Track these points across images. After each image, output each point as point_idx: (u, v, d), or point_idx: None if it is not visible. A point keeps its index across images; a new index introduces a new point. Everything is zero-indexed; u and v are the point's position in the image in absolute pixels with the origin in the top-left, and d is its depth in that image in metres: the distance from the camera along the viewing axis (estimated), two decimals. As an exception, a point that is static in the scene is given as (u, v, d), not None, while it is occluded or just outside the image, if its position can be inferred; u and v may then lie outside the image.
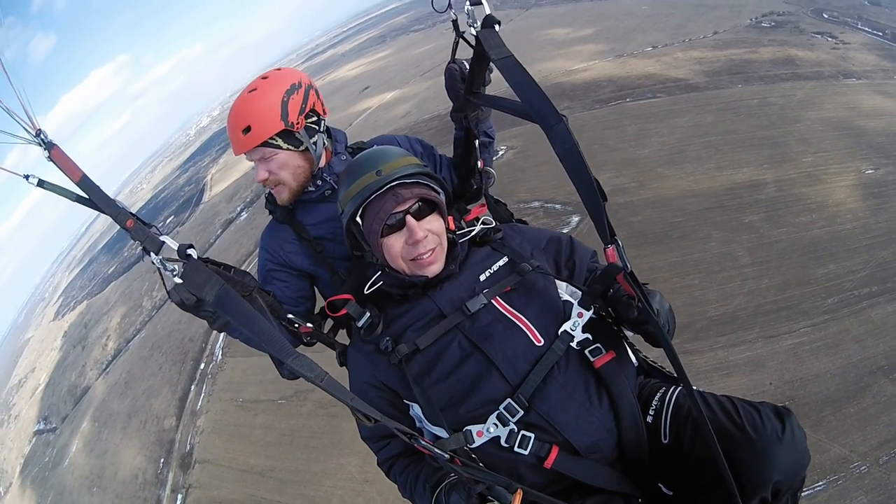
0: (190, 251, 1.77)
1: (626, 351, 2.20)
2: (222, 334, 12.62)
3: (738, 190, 10.64)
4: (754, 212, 9.97)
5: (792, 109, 13.55)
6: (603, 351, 2.06)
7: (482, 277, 2.26)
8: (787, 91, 14.62)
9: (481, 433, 1.98)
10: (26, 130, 1.57)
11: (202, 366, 15.50)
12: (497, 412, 1.98)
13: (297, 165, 2.60)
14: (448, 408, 2.06)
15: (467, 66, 2.42)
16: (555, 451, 1.93)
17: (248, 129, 2.43)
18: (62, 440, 18.99)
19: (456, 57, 2.57)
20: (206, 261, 1.92)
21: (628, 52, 21.08)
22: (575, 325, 2.09)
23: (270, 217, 2.87)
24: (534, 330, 2.10)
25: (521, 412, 1.96)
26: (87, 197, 1.69)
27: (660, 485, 2.05)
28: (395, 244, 2.16)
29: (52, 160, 1.64)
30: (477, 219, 2.56)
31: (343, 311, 2.31)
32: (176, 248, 1.74)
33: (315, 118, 2.62)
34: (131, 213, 1.74)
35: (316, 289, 2.88)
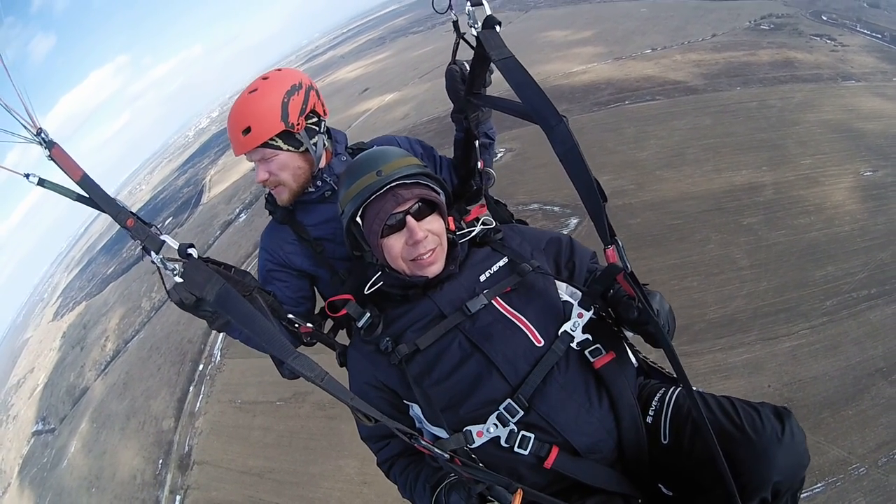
0: (190, 250, 1.77)
1: (626, 351, 2.20)
2: (221, 336, 12.68)
3: (736, 192, 10.65)
4: (753, 214, 9.99)
5: (790, 112, 13.57)
6: (603, 351, 2.06)
7: (482, 278, 2.27)
8: (786, 93, 14.64)
9: (481, 433, 1.99)
10: (27, 129, 1.57)
11: (201, 367, 15.49)
12: (497, 412, 1.98)
13: (298, 166, 2.60)
14: (448, 408, 2.06)
15: (468, 67, 2.42)
16: (555, 451, 1.93)
17: (248, 130, 2.43)
18: (61, 441, 18.97)
19: (456, 58, 2.58)
20: (207, 260, 1.92)
21: (627, 55, 21.11)
22: (575, 326, 2.09)
23: (270, 218, 2.87)
24: (534, 330, 2.10)
25: (521, 412, 1.96)
26: (87, 196, 1.70)
27: (659, 485, 2.05)
28: (395, 244, 2.16)
29: (52, 159, 1.64)
30: (477, 219, 2.56)
31: (343, 312, 2.31)
32: (177, 248, 1.74)
33: (315, 119, 2.62)
34: (131, 212, 1.74)
35: (316, 289, 2.89)
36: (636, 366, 2.28)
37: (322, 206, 2.71)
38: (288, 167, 2.57)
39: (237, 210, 26.80)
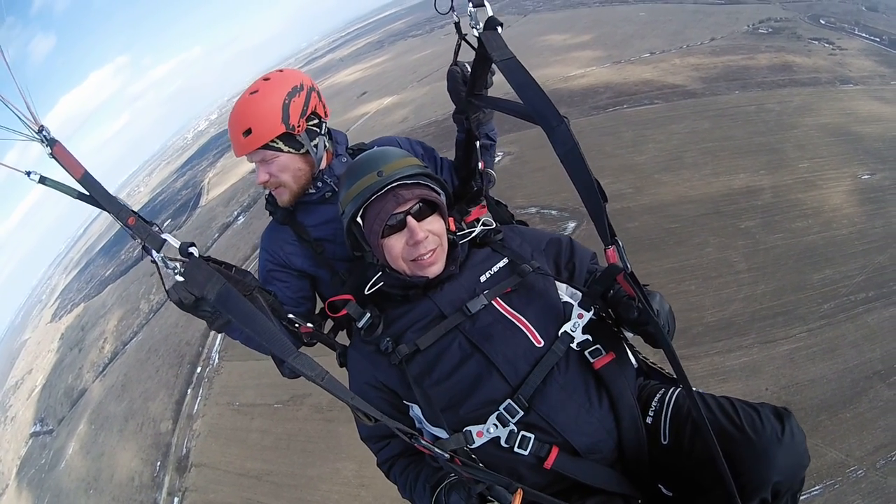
0: (192, 249, 1.78)
1: (626, 352, 2.22)
2: (219, 338, 12.61)
3: (734, 196, 10.65)
4: (750, 217, 9.99)
5: (789, 115, 13.58)
6: (603, 352, 2.08)
7: (482, 278, 2.29)
8: (784, 97, 14.66)
9: (481, 433, 2.01)
10: (28, 127, 1.58)
11: (199, 369, 15.45)
12: (497, 413, 2.00)
13: (298, 168, 2.62)
14: (448, 408, 2.08)
15: (469, 69, 2.44)
16: (554, 451, 1.95)
17: (248, 132, 2.45)
18: (59, 442, 18.91)
19: (458, 59, 2.60)
20: (208, 259, 1.93)
21: (626, 59, 21.13)
22: (575, 327, 2.11)
23: (270, 219, 2.89)
24: (534, 331, 2.12)
25: (521, 413, 1.98)
26: (88, 194, 1.71)
27: (659, 485, 2.07)
28: (395, 245, 2.18)
29: (54, 157, 1.65)
30: (477, 220, 2.59)
31: (343, 312, 2.33)
32: (178, 246, 1.76)
33: (316, 121, 2.64)
34: (133, 210, 1.76)
35: (316, 290, 2.90)
36: (636, 366, 2.30)
37: (323, 207, 2.73)
38: (288, 169, 2.59)
39: (235, 212, 26.76)
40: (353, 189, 2.16)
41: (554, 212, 12.45)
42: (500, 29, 2.10)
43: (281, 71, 2.62)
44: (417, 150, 2.94)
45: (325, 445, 9.89)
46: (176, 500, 11.63)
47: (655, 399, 2.12)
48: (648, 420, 2.08)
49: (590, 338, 2.11)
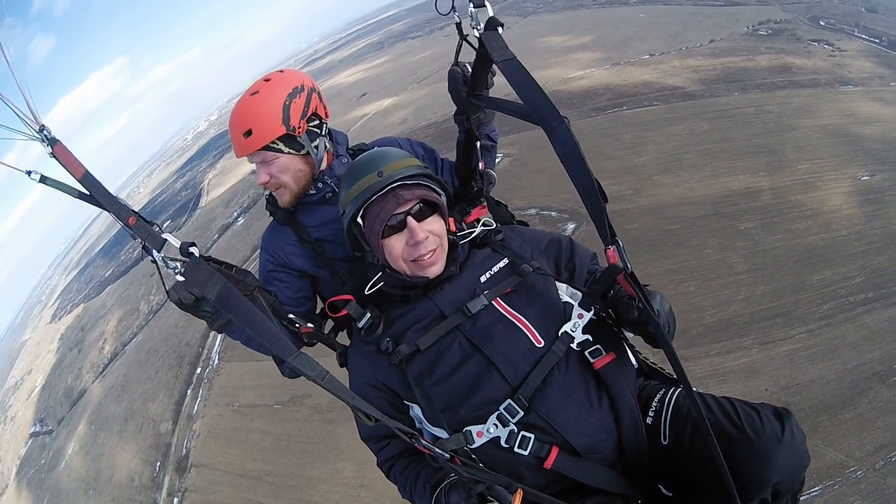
0: (192, 249, 1.78)
1: (626, 352, 2.22)
2: (219, 339, 12.61)
3: (733, 197, 10.65)
4: (750, 219, 9.98)
5: (788, 117, 13.58)
6: (603, 352, 2.08)
7: (483, 279, 2.29)
8: (784, 99, 14.65)
9: (481, 434, 2.01)
10: (29, 127, 1.58)
11: (199, 370, 15.44)
12: (497, 413, 2.00)
13: (299, 169, 2.62)
14: (448, 408, 2.08)
15: (469, 69, 2.45)
16: (554, 451, 1.95)
17: (249, 133, 2.45)
18: (58, 443, 18.89)
19: (459, 60, 2.60)
20: (209, 259, 1.93)
21: (625, 61, 21.11)
22: (575, 327, 2.11)
23: (271, 219, 2.89)
24: (534, 331, 2.12)
25: (522, 413, 1.98)
26: (89, 193, 1.71)
27: (659, 486, 2.07)
28: (395, 245, 2.19)
29: (54, 156, 1.65)
30: (477, 220, 2.59)
31: (344, 312, 2.33)
32: (178, 246, 1.76)
33: (317, 122, 2.64)
34: (133, 210, 1.76)
35: (316, 290, 2.91)
36: (636, 367, 2.30)
37: (323, 208, 2.73)
38: (289, 170, 2.59)
39: (235, 214, 26.74)
40: (353, 189, 2.17)
41: (553, 213, 12.45)
42: (500, 29, 2.10)
43: (282, 71, 2.61)
44: (418, 150, 2.94)
45: (325, 446, 9.88)
46: (176, 500, 11.62)
47: (655, 399, 2.13)
48: (648, 420, 2.08)
49: (590, 338, 2.11)
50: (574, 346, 2.09)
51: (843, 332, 7.52)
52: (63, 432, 19.44)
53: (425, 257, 2.18)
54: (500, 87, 2.30)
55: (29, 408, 24.94)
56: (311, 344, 2.60)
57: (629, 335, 2.18)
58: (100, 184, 1.71)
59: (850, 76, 15.81)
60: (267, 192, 2.78)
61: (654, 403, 2.12)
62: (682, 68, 18.83)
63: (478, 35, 2.12)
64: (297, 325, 2.47)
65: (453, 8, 2.30)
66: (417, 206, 2.17)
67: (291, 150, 2.54)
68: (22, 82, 1.55)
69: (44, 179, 1.64)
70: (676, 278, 9.24)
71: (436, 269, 2.23)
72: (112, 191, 1.76)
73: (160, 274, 1.82)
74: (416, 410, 2.21)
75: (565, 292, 2.28)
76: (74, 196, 1.71)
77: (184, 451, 12.78)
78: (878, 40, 18.20)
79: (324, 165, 2.69)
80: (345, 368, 2.49)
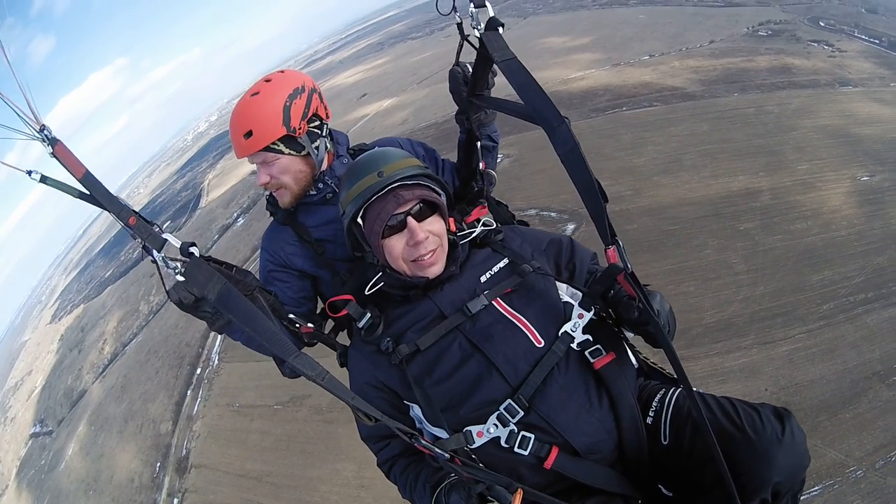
0: (192, 249, 1.78)
1: (627, 352, 2.22)
2: (219, 339, 12.59)
3: (733, 198, 10.66)
4: (749, 219, 9.99)
5: (788, 118, 13.59)
6: (603, 352, 2.08)
7: (483, 279, 2.29)
8: (784, 99, 14.66)
9: (481, 434, 2.01)
10: (30, 126, 1.58)
11: (199, 370, 15.45)
12: (497, 413, 2.00)
13: (299, 170, 2.61)
14: (448, 408, 2.08)
15: (470, 69, 2.45)
16: (554, 451, 1.95)
17: (249, 134, 2.44)
18: (58, 443, 18.92)
19: (459, 60, 2.60)
20: (209, 259, 1.93)
21: (625, 61, 21.12)
22: (575, 327, 2.11)
23: (271, 219, 2.89)
24: (534, 331, 2.12)
25: (522, 413, 1.98)
26: (89, 193, 1.71)
27: (660, 486, 2.07)
28: (396, 245, 2.18)
29: (55, 156, 1.65)
30: (477, 220, 2.58)
31: (344, 312, 2.33)
32: (178, 246, 1.76)
33: (318, 122, 2.64)
34: (134, 210, 1.75)
35: (317, 290, 2.91)
36: (636, 366, 2.30)
37: (324, 208, 2.73)
38: (289, 171, 2.59)
39: (235, 214, 26.77)
40: (353, 189, 2.17)
41: (553, 214, 12.46)
42: (501, 30, 2.10)
43: (282, 72, 2.61)
44: (419, 151, 2.94)
45: (325, 446, 9.89)
46: (176, 500, 11.62)
47: (656, 399, 2.12)
48: (649, 420, 2.08)
49: (590, 338, 2.11)
50: (574, 346, 2.09)
51: (842, 332, 7.53)
52: (63, 433, 19.45)
53: (425, 257, 2.18)
54: (501, 87, 2.31)
55: (29, 408, 24.95)
56: (311, 344, 2.59)
57: (629, 335, 2.18)
58: (100, 184, 1.71)
59: (849, 77, 15.82)
60: (267, 193, 2.78)
61: (654, 403, 2.11)
62: (681, 69, 18.84)
63: (478, 35, 2.11)
64: (298, 326, 2.47)
65: (454, 8, 2.30)
66: (417, 206, 2.17)
67: (292, 151, 2.54)
68: (22, 82, 1.55)
69: (44, 179, 1.64)
70: (676, 278, 9.25)
71: (436, 270, 2.23)
72: (112, 191, 1.76)
73: (160, 274, 1.82)
74: (416, 410, 2.21)
75: (565, 292, 2.28)
76: (75, 196, 1.71)
77: (184, 451, 12.79)
78: (877, 41, 18.21)
79: (324, 166, 2.69)
80: (345, 368, 2.49)
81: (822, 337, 7.53)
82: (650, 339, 2.02)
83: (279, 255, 2.75)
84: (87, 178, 1.69)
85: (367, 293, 2.34)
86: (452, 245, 2.34)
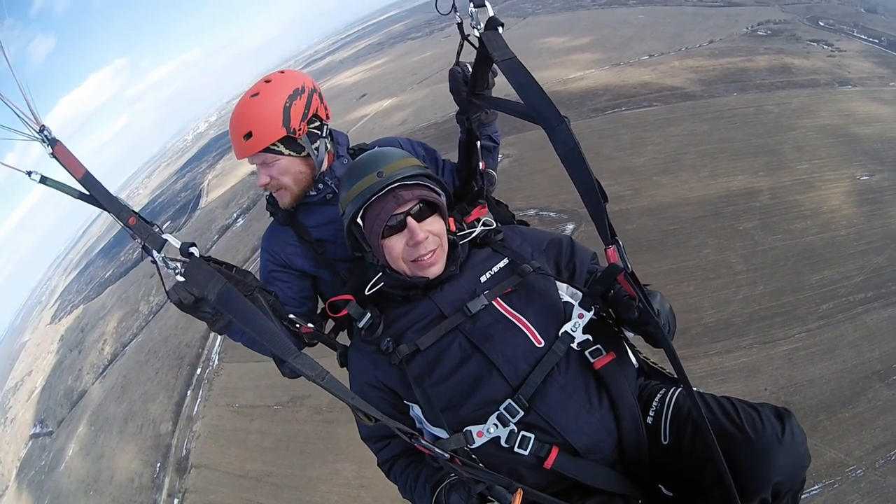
0: (192, 249, 1.78)
1: (627, 352, 2.22)
2: (219, 340, 12.61)
3: (732, 197, 10.66)
4: (749, 219, 9.99)
5: (787, 117, 13.59)
6: (603, 352, 2.08)
7: (483, 279, 2.29)
8: (783, 99, 14.66)
9: (481, 433, 2.00)
10: (30, 127, 1.58)
11: (198, 371, 15.45)
12: (497, 413, 2.00)
13: (299, 171, 2.61)
14: (448, 408, 2.08)
15: (470, 69, 2.45)
16: (555, 451, 1.95)
17: (249, 135, 2.44)
18: (58, 444, 18.92)
19: (459, 60, 2.60)
20: (209, 259, 1.93)
21: (624, 61, 21.11)
22: (575, 327, 2.11)
23: (271, 220, 2.89)
24: (534, 331, 2.11)
25: (522, 413, 1.97)
26: (89, 194, 1.71)
27: (660, 486, 2.06)
28: (395, 245, 2.18)
29: (55, 157, 1.65)
30: (477, 220, 2.58)
31: (344, 312, 2.33)
32: (178, 246, 1.76)
33: (318, 123, 2.64)
34: (133, 210, 1.75)
35: (317, 290, 2.91)
36: (637, 366, 2.30)
37: (324, 208, 2.73)
38: (289, 172, 2.59)
39: (235, 214, 26.76)
40: (353, 190, 2.16)
41: (552, 213, 12.46)
42: (500, 29, 2.10)
43: (282, 72, 2.60)
44: (419, 151, 2.94)
45: (325, 447, 9.89)
46: (176, 501, 11.63)
47: (656, 399, 2.12)
48: (649, 420, 2.08)
49: (590, 338, 2.11)
50: (574, 345, 2.09)
51: (842, 332, 7.53)
52: (63, 433, 19.45)
53: (425, 257, 2.18)
54: (501, 86, 2.31)
55: (29, 409, 24.95)
56: (311, 344, 2.59)
57: (629, 335, 2.18)
58: (100, 184, 1.71)
59: (849, 76, 15.82)
60: (267, 193, 2.78)
61: (654, 403, 2.11)
62: (681, 69, 18.85)
63: (478, 35, 2.11)
64: (298, 326, 2.46)
65: (454, 8, 2.30)
66: (417, 206, 2.17)
67: (292, 153, 2.54)
68: (22, 83, 1.55)
69: (44, 180, 1.64)
70: (676, 278, 9.25)
71: (436, 270, 2.23)
72: (112, 191, 1.75)
73: (160, 274, 1.82)
74: (416, 410, 2.21)
75: (566, 292, 2.28)
76: (75, 196, 1.71)
77: (184, 451, 12.79)
78: (877, 40, 18.22)
79: (325, 167, 2.69)
80: (345, 368, 2.49)
81: (821, 336, 7.54)
82: (650, 339, 2.02)
83: (279, 255, 2.75)
84: (86, 179, 1.69)
85: (367, 293, 2.34)
86: (452, 245, 2.33)
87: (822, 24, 20.67)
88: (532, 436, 1.96)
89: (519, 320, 2.14)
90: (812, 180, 10.87)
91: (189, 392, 14.78)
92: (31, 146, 1.69)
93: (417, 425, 2.26)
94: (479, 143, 2.73)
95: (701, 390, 2.02)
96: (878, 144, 11.67)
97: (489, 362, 2.05)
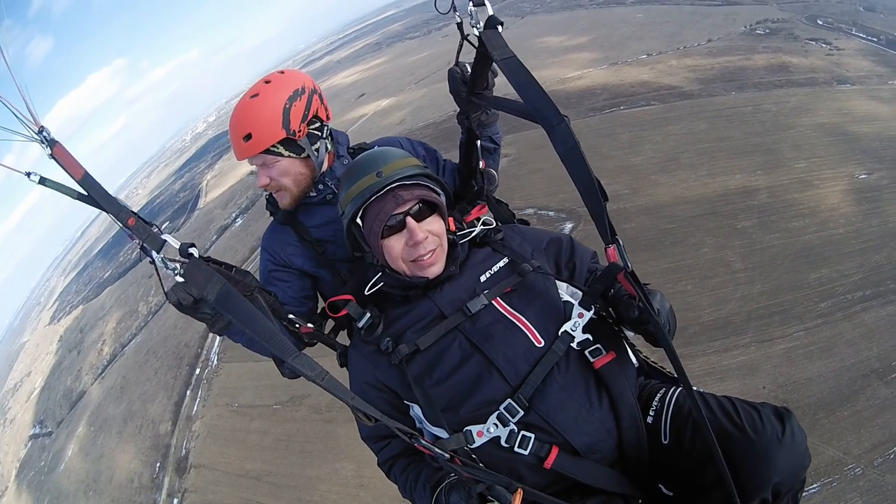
0: (192, 250, 1.78)
1: (627, 351, 2.22)
2: (218, 340, 12.58)
3: (730, 196, 10.65)
4: (747, 218, 9.98)
5: (785, 116, 13.56)
6: (603, 351, 2.08)
7: (483, 278, 2.29)
8: (781, 98, 14.64)
9: (481, 433, 2.01)
10: (28, 128, 1.58)
11: (198, 371, 15.41)
12: (497, 412, 2.00)
13: (299, 172, 2.61)
14: (448, 408, 2.08)
15: (469, 69, 2.45)
16: (555, 451, 1.95)
17: (248, 137, 2.43)
18: (58, 444, 18.86)
19: (459, 60, 2.60)
20: (208, 259, 1.93)
21: (622, 60, 21.08)
22: (575, 326, 2.11)
23: (271, 220, 2.89)
24: (534, 331, 2.12)
25: (522, 412, 1.98)
26: (88, 195, 1.71)
27: (660, 485, 2.07)
28: (395, 245, 2.18)
29: (54, 158, 1.65)
30: (477, 219, 2.59)
31: (344, 312, 2.33)
32: (178, 247, 1.76)
33: (318, 124, 2.63)
34: (133, 211, 1.75)
35: (317, 290, 2.91)
36: (637, 366, 2.30)
37: (324, 209, 2.73)
38: (289, 173, 2.58)
39: (234, 214, 26.69)
40: (352, 190, 2.16)
41: (551, 213, 12.46)
42: (500, 28, 2.09)
43: (282, 72, 2.59)
44: (419, 150, 2.94)
45: (324, 446, 9.88)
46: (175, 501, 11.62)
47: (656, 399, 2.13)
48: (649, 420, 2.08)
49: (590, 337, 2.11)
50: (574, 345, 2.09)
51: (840, 330, 7.53)
52: (62, 434, 19.43)
53: (425, 257, 2.18)
54: (501, 86, 2.30)
55: (28, 410, 24.91)
56: (311, 344, 2.59)
57: (629, 334, 2.18)
58: (99, 185, 1.71)
59: (847, 75, 15.82)
60: (267, 193, 2.77)
61: (654, 403, 2.12)
62: (679, 68, 18.84)
63: (478, 34, 2.11)
64: (297, 326, 2.46)
65: (453, 7, 2.30)
66: (417, 206, 2.17)
67: (292, 154, 2.54)
68: (21, 83, 1.54)
69: (43, 181, 1.64)
70: (674, 277, 9.25)
71: (435, 270, 2.23)
72: (111, 192, 1.75)
73: (158, 275, 1.81)
74: (416, 410, 2.21)
75: (565, 291, 2.28)
76: (74, 197, 1.71)
77: (183, 451, 12.78)
78: (875, 39, 18.22)
79: (325, 167, 2.69)
80: (345, 369, 2.49)
81: (819, 335, 7.54)
82: (650, 339, 2.03)
83: (279, 255, 2.75)
84: (85, 180, 1.69)
85: (366, 293, 2.34)
86: (452, 245, 2.34)
87: (820, 22, 20.67)
88: (532, 435, 1.97)
89: (519, 320, 2.14)
90: (810, 179, 10.88)
91: (188, 392, 14.77)
92: (29, 147, 1.69)
93: (417, 425, 2.26)
94: (479, 143, 2.72)
95: (701, 389, 2.02)
96: (877, 143, 11.67)
97: (489, 362, 2.05)
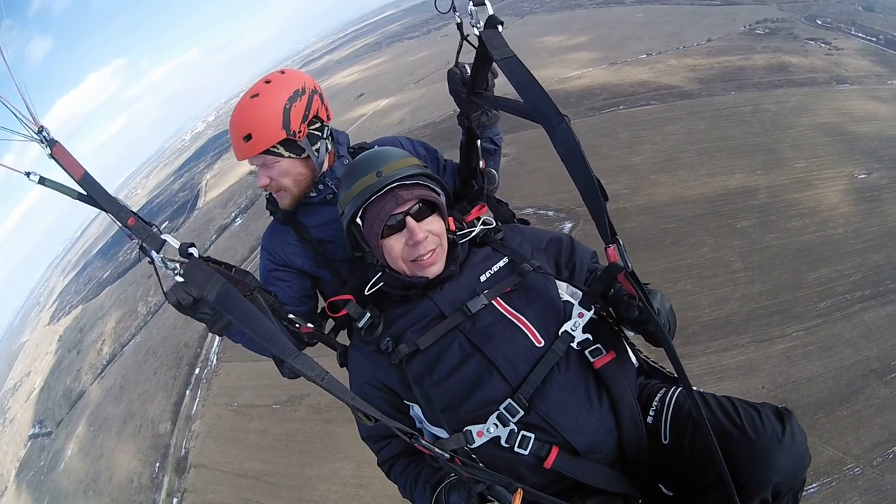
0: (191, 250, 1.77)
1: (627, 351, 2.22)
2: (217, 340, 12.58)
3: (730, 196, 10.67)
4: (746, 217, 10.00)
5: (785, 116, 13.59)
6: (603, 351, 2.08)
7: (483, 278, 2.28)
8: (781, 97, 14.67)
9: (481, 433, 2.00)
10: (28, 128, 1.57)
11: (197, 371, 15.44)
12: (497, 412, 2.00)
13: (299, 172, 2.60)
14: (448, 408, 2.07)
15: (468, 70, 2.44)
16: (555, 451, 1.95)
17: (248, 137, 2.42)
18: (57, 444, 18.90)
19: (458, 60, 2.59)
20: (208, 259, 1.92)
21: (622, 60, 21.11)
22: (575, 326, 2.11)
23: (271, 219, 2.88)
24: (534, 331, 2.11)
25: (522, 412, 1.97)
26: (87, 195, 1.70)
27: (660, 485, 2.06)
28: (395, 245, 2.18)
29: (53, 157, 1.64)
30: (477, 219, 2.58)
31: (344, 312, 2.33)
32: (177, 247, 1.75)
33: (318, 124, 2.62)
34: (132, 211, 1.74)
35: (317, 289, 2.90)
36: (637, 366, 2.30)
37: (324, 208, 2.72)
38: (289, 173, 2.57)
39: (233, 214, 26.73)
40: (352, 190, 2.16)
41: (550, 212, 12.46)
42: (500, 28, 2.09)
43: (283, 72, 2.58)
44: (419, 150, 2.93)
45: (324, 446, 9.89)
46: (175, 500, 11.62)
47: (656, 399, 2.12)
48: (649, 420, 2.07)
49: (590, 337, 2.11)
50: (574, 345, 2.09)
51: (839, 330, 7.54)
52: (62, 434, 19.44)
53: (425, 257, 2.17)
54: (501, 86, 2.30)
55: (28, 409, 24.92)
56: (311, 344, 2.58)
57: (629, 334, 2.17)
58: (99, 185, 1.70)
59: (846, 74, 15.83)
60: (267, 193, 2.77)
61: (654, 403, 2.11)
62: (678, 67, 18.85)
63: (478, 33, 2.11)
64: (298, 326, 2.46)
65: (453, 7, 2.29)
66: (416, 205, 2.16)
67: (292, 154, 2.53)
68: (20, 83, 1.54)
69: (43, 181, 1.63)
70: (673, 277, 9.26)
71: (435, 269, 2.22)
72: (110, 192, 1.75)
73: (158, 275, 1.81)
74: (416, 410, 2.21)
75: (565, 291, 2.28)
76: (73, 197, 1.70)
77: (183, 451, 12.78)
78: (874, 39, 18.23)
79: (325, 167, 2.68)
80: (345, 368, 2.48)
81: (819, 335, 7.55)
82: (650, 338, 2.02)
83: (279, 255, 2.74)
84: (85, 180, 1.68)
85: (366, 293, 2.34)
86: (452, 244, 2.33)
87: (819, 22, 20.68)
88: (532, 435, 1.96)
89: (519, 320, 2.14)
90: (809, 178, 10.89)
91: (188, 392, 14.77)
92: (29, 147, 1.68)
93: (417, 425, 2.26)
94: (479, 143, 2.72)
95: (701, 389, 2.02)
96: (876, 143, 11.68)
97: (489, 362, 2.05)
